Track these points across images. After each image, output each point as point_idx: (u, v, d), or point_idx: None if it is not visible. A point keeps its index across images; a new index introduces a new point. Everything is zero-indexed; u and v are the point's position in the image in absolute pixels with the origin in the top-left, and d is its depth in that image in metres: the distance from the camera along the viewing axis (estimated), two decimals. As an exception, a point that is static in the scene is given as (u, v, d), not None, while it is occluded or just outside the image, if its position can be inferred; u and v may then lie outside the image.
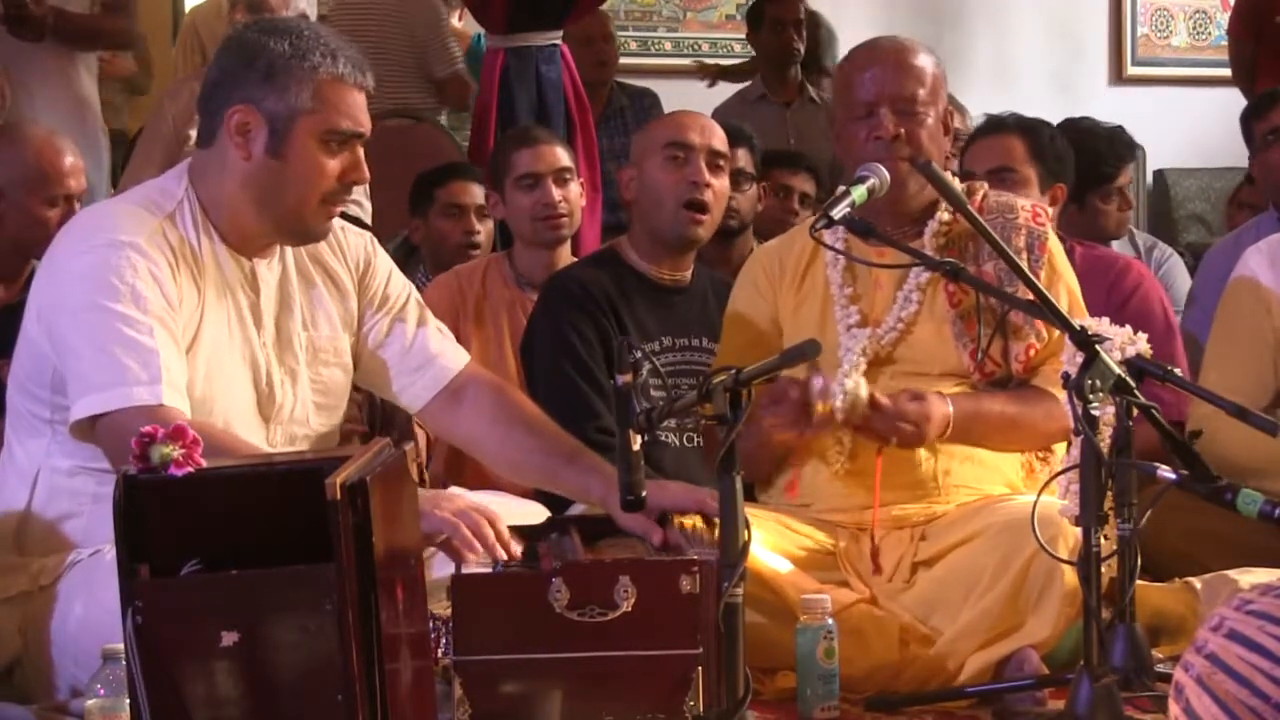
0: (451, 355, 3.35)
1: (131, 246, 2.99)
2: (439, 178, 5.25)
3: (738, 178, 4.63)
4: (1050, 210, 4.14)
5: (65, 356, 3.00)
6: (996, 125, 4.44)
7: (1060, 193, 4.37)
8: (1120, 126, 5.02)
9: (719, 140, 4.05)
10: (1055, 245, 3.57)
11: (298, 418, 3.20)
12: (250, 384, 3.13)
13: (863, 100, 3.48)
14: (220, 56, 3.15)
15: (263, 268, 3.17)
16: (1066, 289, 3.53)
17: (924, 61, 3.51)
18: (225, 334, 3.10)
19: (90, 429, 2.96)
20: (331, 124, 3.06)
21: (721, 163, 4.04)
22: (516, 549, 2.92)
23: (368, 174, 3.13)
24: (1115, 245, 5.21)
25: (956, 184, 3.35)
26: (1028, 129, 4.40)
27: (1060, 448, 3.41)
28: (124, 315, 2.94)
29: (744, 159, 4.76)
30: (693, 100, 7.13)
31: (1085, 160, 4.72)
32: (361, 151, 3.12)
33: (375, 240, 3.37)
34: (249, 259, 3.15)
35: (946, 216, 3.49)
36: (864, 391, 3.29)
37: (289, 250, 3.21)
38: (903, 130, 3.44)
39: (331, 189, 3.09)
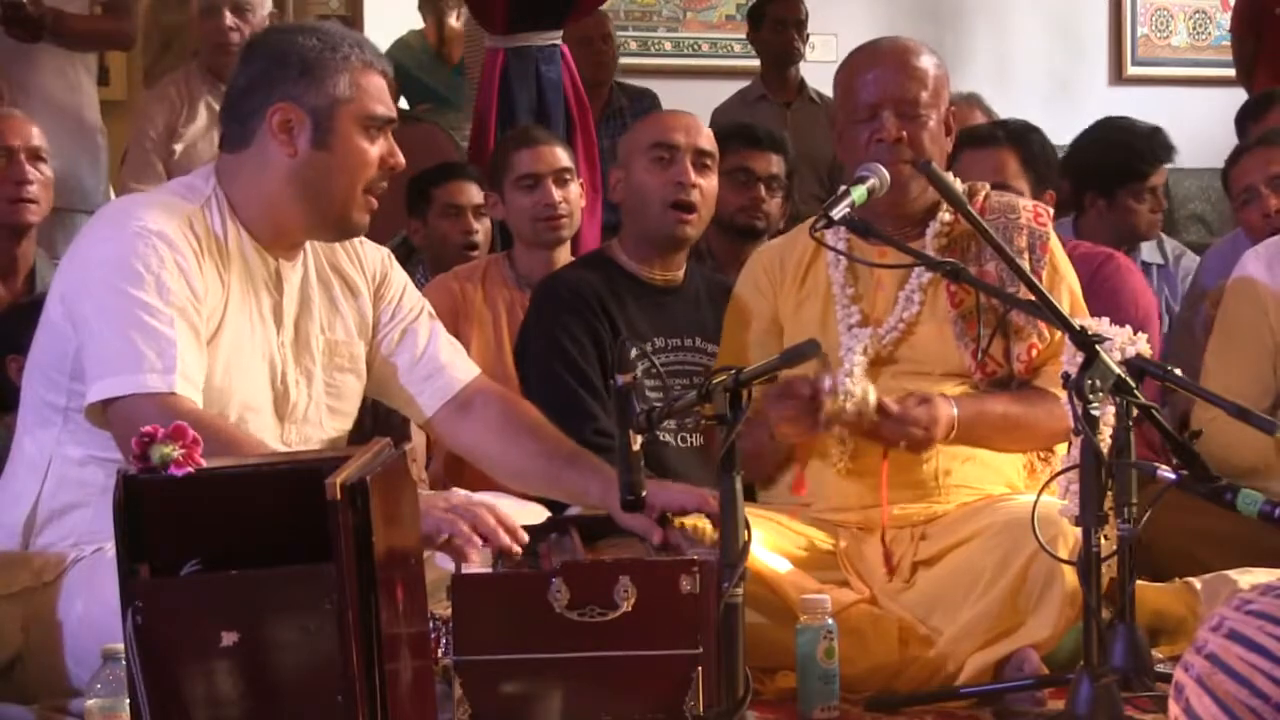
0: (462, 367, 3.38)
1: (159, 236, 3.02)
2: (436, 178, 5.25)
3: (771, 183, 4.72)
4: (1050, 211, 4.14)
5: (85, 340, 3.03)
6: (986, 138, 4.34)
7: (1050, 199, 4.29)
8: (1159, 128, 4.97)
9: (705, 139, 4.04)
10: (1056, 246, 3.56)
11: (311, 419, 3.22)
12: (267, 381, 3.15)
13: (865, 103, 3.47)
14: (248, 62, 3.19)
15: (287, 269, 3.20)
16: (1069, 289, 3.53)
17: (926, 63, 3.50)
18: (247, 328, 3.12)
19: (102, 414, 2.98)
20: (369, 110, 3.13)
21: (709, 161, 4.02)
22: (524, 535, 2.93)
23: (403, 160, 3.19)
24: (1144, 249, 5.19)
25: (958, 184, 3.35)
26: (1017, 139, 4.32)
27: (1061, 447, 3.41)
28: (145, 303, 2.97)
29: (777, 165, 4.78)
30: (693, 100, 7.14)
31: (1120, 156, 4.69)
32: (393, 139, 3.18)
33: (392, 255, 3.41)
34: (275, 258, 3.18)
35: (948, 217, 3.49)
36: (872, 397, 3.28)
37: (311, 254, 3.25)
38: (905, 133, 3.44)
39: (373, 176, 3.15)
